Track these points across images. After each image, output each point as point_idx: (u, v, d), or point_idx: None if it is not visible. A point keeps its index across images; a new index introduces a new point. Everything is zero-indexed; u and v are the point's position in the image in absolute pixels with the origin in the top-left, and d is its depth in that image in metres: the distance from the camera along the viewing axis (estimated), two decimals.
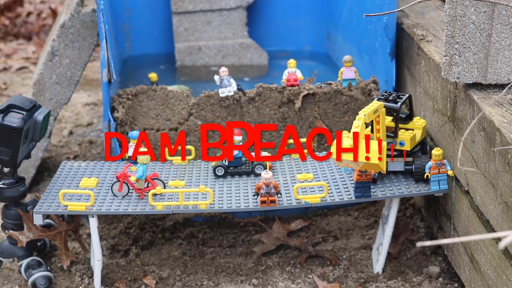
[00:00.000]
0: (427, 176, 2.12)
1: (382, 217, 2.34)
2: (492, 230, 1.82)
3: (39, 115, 2.21)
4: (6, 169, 2.22)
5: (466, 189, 2.00)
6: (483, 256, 1.88)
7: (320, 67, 3.21)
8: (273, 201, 2.10)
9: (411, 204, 2.62)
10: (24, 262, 2.28)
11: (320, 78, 2.62)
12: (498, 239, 1.78)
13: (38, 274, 2.24)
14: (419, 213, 2.57)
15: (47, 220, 2.42)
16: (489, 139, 1.78)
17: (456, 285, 2.23)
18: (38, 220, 2.13)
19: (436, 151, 2.09)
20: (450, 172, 2.09)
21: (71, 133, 3.32)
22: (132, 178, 2.16)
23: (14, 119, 2.14)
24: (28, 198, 2.40)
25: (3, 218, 2.28)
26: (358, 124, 1.92)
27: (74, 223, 2.34)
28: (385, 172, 2.04)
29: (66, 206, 2.12)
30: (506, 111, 1.80)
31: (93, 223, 2.15)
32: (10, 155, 2.17)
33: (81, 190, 2.21)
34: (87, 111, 3.56)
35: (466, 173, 1.99)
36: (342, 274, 2.32)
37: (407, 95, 2.17)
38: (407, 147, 2.15)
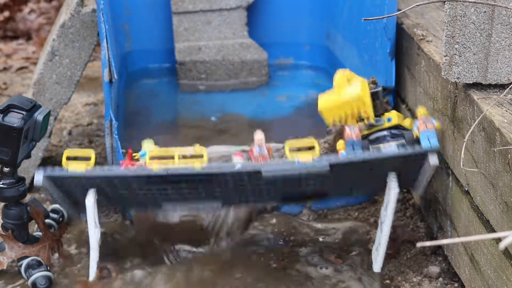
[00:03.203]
0: (417, 136, 2.14)
1: (381, 217, 2.34)
2: (492, 230, 1.82)
3: (39, 115, 2.21)
4: (6, 169, 2.22)
5: (466, 189, 2.00)
6: (483, 256, 1.88)
7: (320, 76, 3.22)
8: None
9: (411, 204, 2.62)
10: (24, 261, 2.28)
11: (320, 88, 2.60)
12: (498, 239, 1.78)
13: (38, 274, 2.24)
14: (419, 213, 2.57)
15: (47, 221, 2.42)
16: (489, 139, 1.78)
17: (456, 285, 2.23)
18: (38, 180, 2.13)
19: (420, 109, 2.16)
20: (437, 125, 2.11)
21: (71, 133, 3.32)
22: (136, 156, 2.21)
23: (14, 119, 2.14)
24: (28, 198, 2.39)
25: (3, 218, 2.28)
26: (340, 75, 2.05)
27: (60, 230, 2.34)
28: (371, 113, 2.08)
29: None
30: (506, 111, 1.80)
31: (91, 196, 2.16)
32: (10, 155, 2.17)
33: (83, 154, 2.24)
34: (87, 111, 3.56)
35: (466, 173, 1.99)
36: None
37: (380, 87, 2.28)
38: (395, 122, 2.22)
